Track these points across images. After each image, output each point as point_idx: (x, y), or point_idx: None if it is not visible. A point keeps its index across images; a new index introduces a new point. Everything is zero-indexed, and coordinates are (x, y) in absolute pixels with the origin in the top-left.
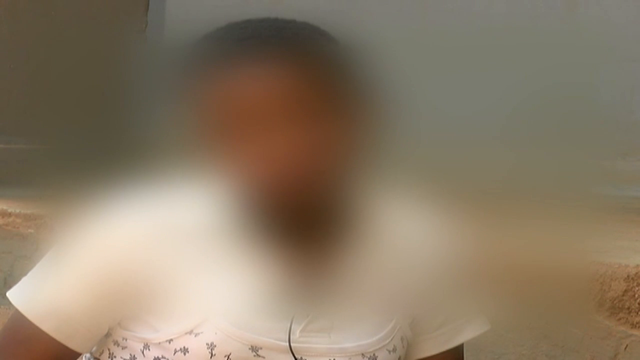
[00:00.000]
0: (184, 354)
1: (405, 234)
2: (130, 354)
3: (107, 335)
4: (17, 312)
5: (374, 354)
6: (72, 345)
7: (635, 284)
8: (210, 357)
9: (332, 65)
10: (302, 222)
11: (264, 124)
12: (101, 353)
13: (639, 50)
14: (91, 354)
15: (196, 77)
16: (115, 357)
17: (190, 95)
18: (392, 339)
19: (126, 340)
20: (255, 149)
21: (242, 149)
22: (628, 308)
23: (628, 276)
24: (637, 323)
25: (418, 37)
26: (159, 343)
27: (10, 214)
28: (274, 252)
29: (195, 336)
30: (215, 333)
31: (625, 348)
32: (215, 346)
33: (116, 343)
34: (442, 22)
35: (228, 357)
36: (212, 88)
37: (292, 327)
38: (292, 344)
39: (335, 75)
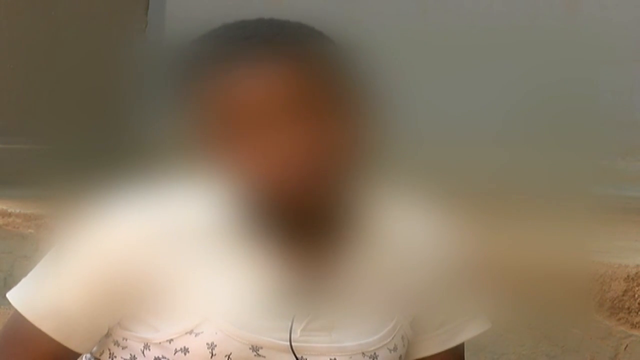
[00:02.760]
0: (185, 354)
1: (405, 233)
2: (131, 354)
3: (107, 335)
4: (16, 312)
5: (374, 353)
6: (72, 345)
7: (635, 284)
8: (211, 357)
9: (333, 65)
10: (304, 221)
11: (266, 124)
12: (101, 353)
13: (639, 50)
14: (91, 354)
15: (197, 77)
16: (115, 357)
17: (191, 95)
18: (392, 338)
19: (126, 340)
20: (256, 149)
21: (244, 149)
22: (628, 308)
23: (628, 276)
24: (637, 323)
25: (416, 37)
26: (159, 343)
27: (10, 214)
28: (275, 251)
29: (196, 336)
30: (216, 333)
31: (625, 348)
32: (215, 346)
33: (116, 343)
34: (440, 21)
35: (228, 357)
36: (213, 88)
37: (293, 327)
38: (293, 343)
39: (336, 75)
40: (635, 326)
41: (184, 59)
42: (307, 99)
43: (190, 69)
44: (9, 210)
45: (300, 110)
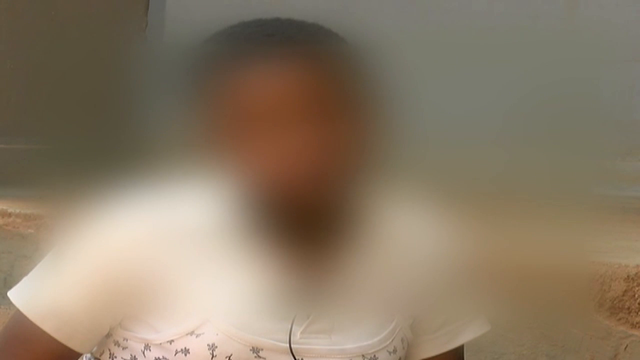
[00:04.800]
0: (185, 354)
1: (406, 235)
2: (131, 355)
3: (108, 335)
4: (17, 312)
5: (374, 355)
6: (73, 345)
7: (635, 284)
8: (212, 358)
9: (346, 67)
10: (306, 222)
11: (276, 122)
12: (102, 353)
13: (639, 50)
14: (92, 354)
15: (208, 74)
16: (115, 357)
17: (202, 93)
18: (392, 340)
19: (127, 340)
20: (265, 147)
21: (252, 146)
22: (628, 308)
23: (628, 276)
24: (637, 323)
25: (416, 37)
26: (160, 344)
27: (10, 214)
28: (276, 253)
29: (197, 337)
30: (217, 334)
31: (625, 348)
32: (216, 347)
33: (117, 343)
34: (439, 22)
35: (229, 358)
36: (225, 85)
37: (293, 329)
38: (292, 345)
39: (348, 77)
40: (635, 326)
41: (198, 55)
42: (318, 99)
43: (205, 65)
44: (9, 210)
45: (311, 110)
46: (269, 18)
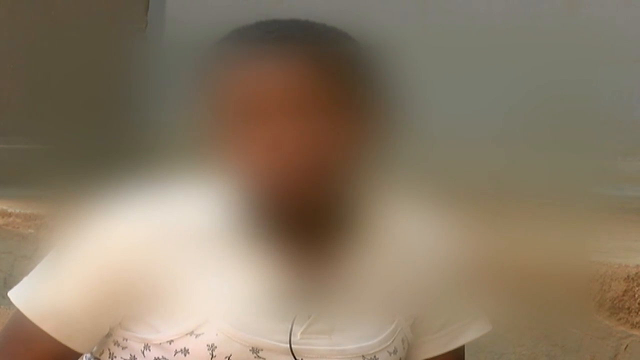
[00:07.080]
0: (185, 354)
1: (407, 235)
2: (131, 354)
3: (108, 335)
4: (17, 312)
5: (374, 356)
6: (73, 345)
7: (635, 284)
8: (211, 358)
9: (351, 66)
10: (306, 220)
11: (274, 118)
12: (101, 353)
13: (639, 50)
14: (91, 354)
15: (208, 73)
16: (115, 357)
17: (202, 91)
18: (393, 341)
19: (126, 340)
20: (263, 142)
21: (248, 143)
22: (628, 308)
23: (628, 276)
24: (637, 323)
25: (417, 37)
26: (160, 344)
27: (10, 214)
28: (276, 253)
29: (196, 337)
30: (216, 334)
31: (625, 348)
32: (216, 347)
33: (116, 343)
34: (439, 22)
35: (229, 359)
36: (223, 82)
37: (293, 329)
38: (292, 346)
39: (352, 76)
40: (635, 326)
41: (200, 55)
42: (318, 95)
43: (205, 64)
44: (9, 210)
45: (310, 106)
46: (286, 19)
